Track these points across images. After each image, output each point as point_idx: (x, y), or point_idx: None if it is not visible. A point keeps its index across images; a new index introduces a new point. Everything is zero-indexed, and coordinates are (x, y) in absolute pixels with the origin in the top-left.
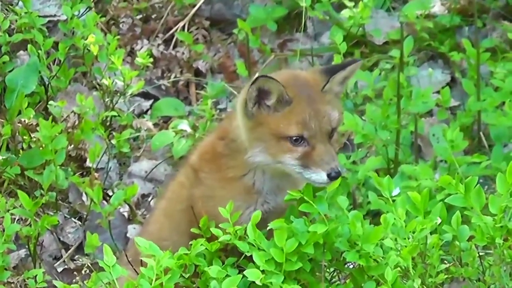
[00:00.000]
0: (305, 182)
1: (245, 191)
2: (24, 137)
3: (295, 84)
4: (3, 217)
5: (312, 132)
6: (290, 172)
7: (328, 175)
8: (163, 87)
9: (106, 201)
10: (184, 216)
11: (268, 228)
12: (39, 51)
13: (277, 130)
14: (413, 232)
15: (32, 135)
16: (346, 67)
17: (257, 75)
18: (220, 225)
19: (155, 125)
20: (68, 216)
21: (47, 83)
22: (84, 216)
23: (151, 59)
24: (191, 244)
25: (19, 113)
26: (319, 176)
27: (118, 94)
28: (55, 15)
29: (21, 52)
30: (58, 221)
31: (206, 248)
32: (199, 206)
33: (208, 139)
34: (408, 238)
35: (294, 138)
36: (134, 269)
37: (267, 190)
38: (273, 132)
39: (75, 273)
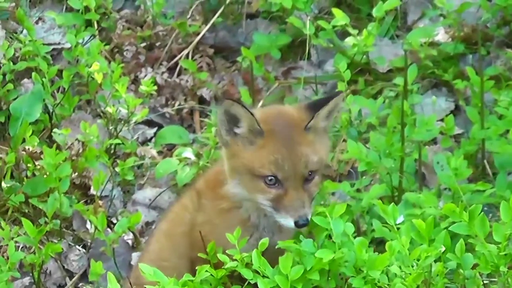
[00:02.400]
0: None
1: (241, 223)
2: (28, 165)
3: (275, 120)
4: (7, 244)
5: (285, 174)
6: (264, 210)
7: (296, 223)
8: (167, 115)
9: (110, 228)
10: (185, 238)
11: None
12: (43, 79)
13: (251, 167)
14: (418, 260)
15: (36, 163)
16: (329, 101)
17: (260, 103)
18: (227, 251)
19: (159, 153)
20: (72, 244)
21: (51, 111)
22: (88, 243)
23: (155, 87)
24: (194, 269)
25: (23, 141)
26: (287, 222)
27: (122, 122)
28: (59, 43)
29: (26, 80)
30: (62, 248)
31: (211, 275)
32: (197, 231)
33: (214, 167)
34: (413, 266)
35: (269, 177)
36: None
37: (264, 227)
38: (248, 168)
39: None
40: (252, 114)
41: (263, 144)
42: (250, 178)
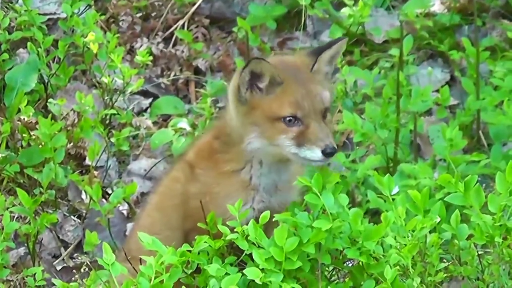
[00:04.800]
0: (302, 162)
1: (242, 187)
2: (24, 135)
3: (283, 67)
4: (2, 215)
5: (305, 111)
6: (287, 154)
7: (323, 152)
8: (162, 85)
9: (105, 199)
10: (177, 211)
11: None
12: (39, 49)
13: (271, 112)
14: (413, 231)
15: (32, 133)
16: (332, 45)
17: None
18: (227, 223)
19: (155, 123)
20: (67, 214)
21: (46, 81)
22: (83, 214)
23: (151, 57)
24: (188, 241)
25: (19, 111)
26: (314, 153)
27: (118, 92)
28: (55, 13)
29: (21, 50)
30: (57, 219)
31: (209, 245)
32: (192, 202)
33: (204, 138)
34: (408, 237)
35: (288, 118)
36: (133, 267)
37: (264, 187)
38: (266, 115)
39: (74, 271)
40: (274, 68)
41: (282, 90)
42: (270, 124)
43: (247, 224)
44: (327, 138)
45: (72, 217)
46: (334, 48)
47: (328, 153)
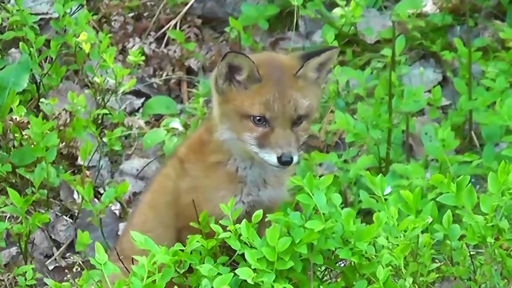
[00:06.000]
0: (262, 162)
1: (229, 179)
2: (16, 134)
3: (268, 65)
4: None
5: (274, 114)
6: (250, 152)
7: (279, 158)
8: (155, 85)
9: (98, 199)
10: (169, 209)
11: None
12: (31, 49)
13: (242, 108)
14: (405, 231)
15: (23, 133)
16: (321, 53)
17: None
18: (220, 222)
19: (147, 123)
20: (60, 214)
21: (38, 81)
22: (76, 214)
23: (143, 57)
24: (181, 239)
25: (11, 110)
26: (271, 158)
27: (110, 92)
28: (47, 13)
29: (13, 49)
30: (49, 219)
31: (202, 245)
32: (183, 198)
33: (196, 132)
34: (400, 237)
35: (257, 117)
36: (125, 267)
37: (251, 180)
38: (238, 110)
39: (66, 271)
40: (253, 62)
41: (257, 87)
42: (239, 119)
43: (238, 220)
44: (286, 146)
45: (64, 217)
46: (323, 56)
47: (283, 161)
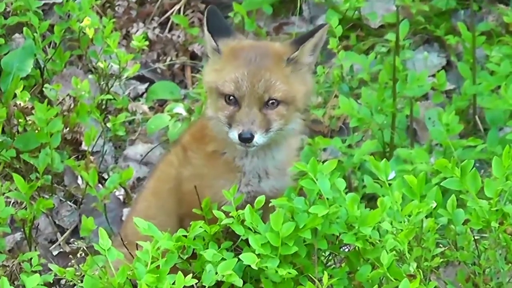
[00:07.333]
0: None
1: (227, 168)
2: (20, 120)
3: (250, 47)
4: None
5: (241, 93)
6: (224, 132)
7: (239, 136)
8: (158, 70)
9: (102, 184)
10: (172, 195)
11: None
12: (35, 34)
13: (216, 85)
14: (409, 216)
15: (28, 118)
16: (314, 34)
17: None
18: (222, 208)
19: (151, 108)
20: (64, 200)
21: (42, 66)
22: (80, 199)
23: (147, 42)
24: (183, 226)
25: (15, 96)
26: (233, 135)
27: (114, 77)
28: None
29: (17, 35)
30: (54, 204)
31: (205, 231)
32: (185, 186)
33: (200, 120)
34: (404, 222)
35: (228, 96)
36: (129, 252)
37: (250, 171)
38: (213, 87)
39: (70, 256)
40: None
41: (231, 67)
42: (216, 97)
43: (237, 209)
44: (248, 123)
45: (68, 202)
46: (317, 36)
47: (243, 139)
